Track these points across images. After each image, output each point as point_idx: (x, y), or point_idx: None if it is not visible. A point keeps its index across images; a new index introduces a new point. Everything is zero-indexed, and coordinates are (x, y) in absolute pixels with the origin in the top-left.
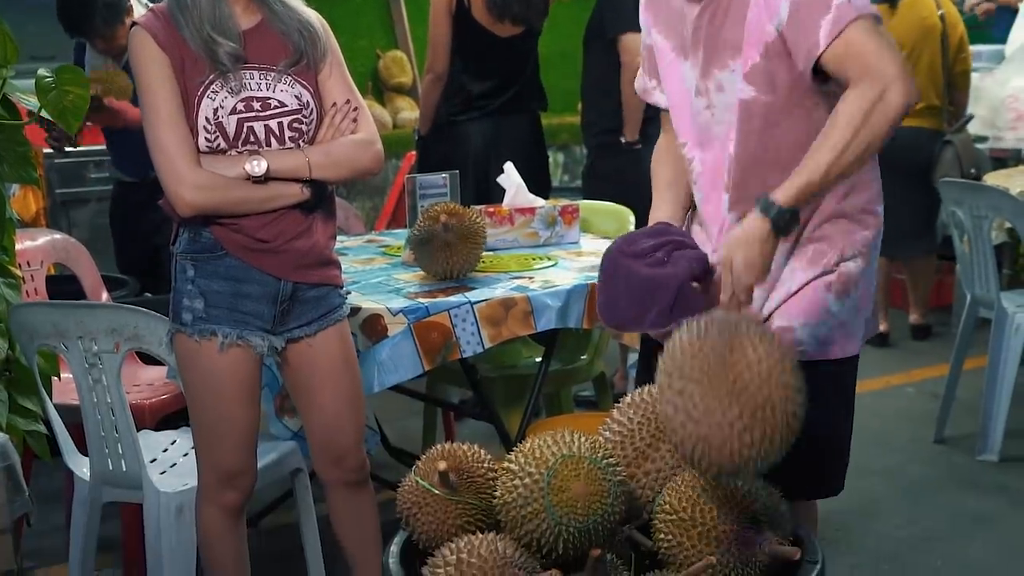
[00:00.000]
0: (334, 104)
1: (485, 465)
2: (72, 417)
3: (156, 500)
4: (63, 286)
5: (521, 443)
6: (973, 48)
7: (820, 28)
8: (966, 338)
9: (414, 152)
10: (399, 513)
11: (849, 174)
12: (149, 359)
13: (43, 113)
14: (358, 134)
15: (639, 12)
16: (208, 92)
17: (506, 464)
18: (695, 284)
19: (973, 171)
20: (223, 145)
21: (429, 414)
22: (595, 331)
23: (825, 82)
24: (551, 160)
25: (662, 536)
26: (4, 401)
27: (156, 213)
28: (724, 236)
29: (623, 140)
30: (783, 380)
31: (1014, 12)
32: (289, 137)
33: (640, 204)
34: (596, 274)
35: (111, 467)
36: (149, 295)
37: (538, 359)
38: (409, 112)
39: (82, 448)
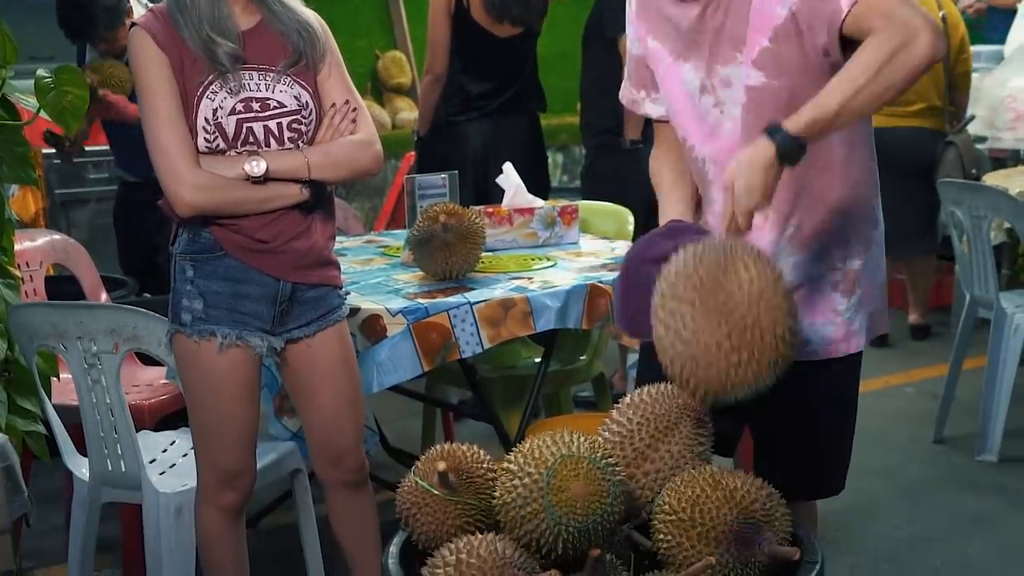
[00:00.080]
0: (333, 105)
1: (484, 465)
2: (71, 418)
3: (155, 500)
4: (62, 287)
5: (520, 443)
6: (972, 48)
7: None
8: (965, 338)
9: (413, 152)
10: (398, 513)
11: (858, 117)
12: (148, 360)
13: (42, 112)
14: (357, 135)
15: (627, 23)
16: (207, 92)
17: (505, 464)
18: None
19: (974, 171)
20: (222, 145)
21: (428, 414)
22: (594, 332)
23: (836, 64)
24: (550, 160)
25: (661, 536)
26: (3, 402)
27: (159, 213)
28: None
29: (625, 140)
30: (774, 302)
31: (1006, 13)
32: (288, 138)
33: (639, 204)
34: (595, 275)
35: (110, 467)
36: (148, 295)
37: (537, 359)
38: (408, 112)
39: (81, 449)
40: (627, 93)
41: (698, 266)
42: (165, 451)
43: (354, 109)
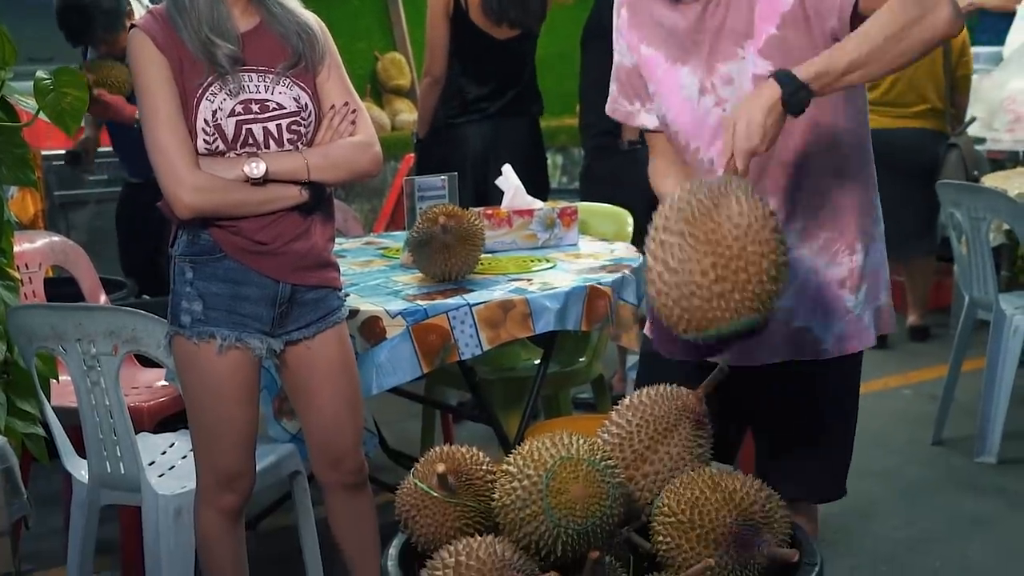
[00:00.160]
0: (332, 106)
1: (484, 467)
2: (70, 420)
3: (154, 503)
4: (61, 288)
5: (519, 445)
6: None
7: None
8: (964, 340)
9: (412, 154)
10: (397, 516)
11: (863, 81)
12: (147, 362)
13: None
14: (356, 136)
15: (615, 35)
16: (207, 94)
17: (504, 466)
18: None
19: (976, 173)
20: (222, 147)
21: (427, 416)
22: (593, 333)
23: None
24: (549, 162)
25: (661, 538)
26: (2, 404)
27: (160, 214)
28: None
29: (624, 141)
30: (762, 236)
31: (997, 16)
32: (288, 139)
33: (637, 205)
34: (594, 276)
35: (109, 470)
36: (147, 297)
37: (536, 361)
38: (407, 114)
39: (80, 451)
40: (619, 107)
41: (691, 200)
42: (164, 453)
43: (353, 111)
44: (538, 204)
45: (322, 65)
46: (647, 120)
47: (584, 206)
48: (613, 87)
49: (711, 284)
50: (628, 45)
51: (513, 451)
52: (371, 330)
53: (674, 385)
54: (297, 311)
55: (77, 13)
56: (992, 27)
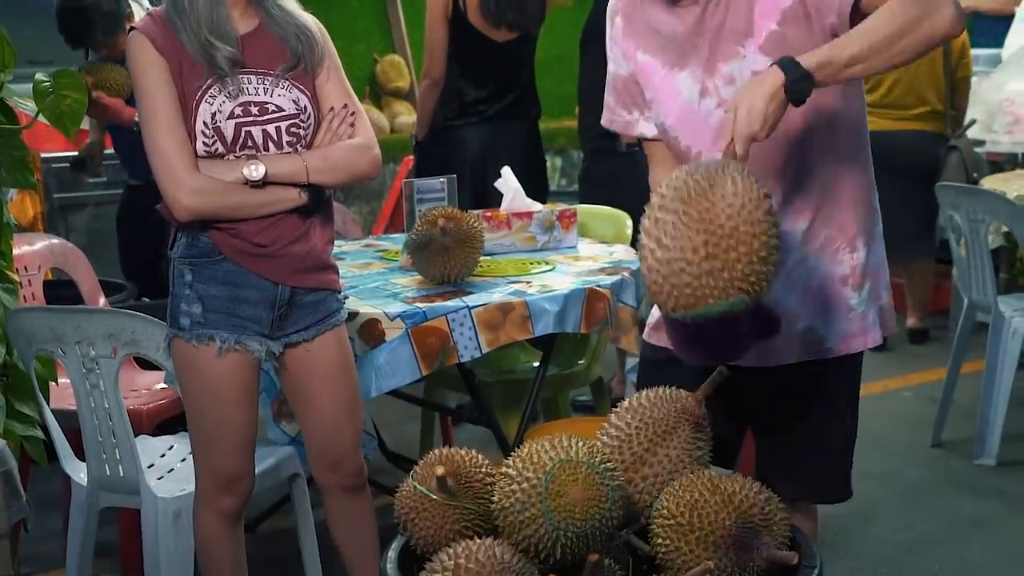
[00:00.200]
0: (332, 108)
1: (483, 470)
2: (69, 422)
3: (154, 505)
4: (61, 291)
5: (519, 448)
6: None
7: None
8: (963, 342)
9: (412, 156)
10: (397, 518)
11: (864, 75)
12: (147, 364)
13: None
14: (356, 138)
15: (609, 45)
16: (206, 96)
17: (504, 469)
18: None
19: (975, 175)
20: (221, 149)
21: (427, 419)
22: (592, 336)
23: None
24: (548, 164)
25: (660, 541)
26: (1, 407)
27: (160, 216)
28: None
29: (622, 143)
30: (754, 216)
31: (993, 19)
32: (287, 142)
33: (636, 207)
34: (593, 279)
35: (108, 472)
36: (147, 300)
37: (536, 364)
38: (407, 116)
39: (79, 453)
40: (617, 117)
41: (687, 180)
42: (163, 456)
43: (352, 113)
44: (537, 206)
45: (321, 67)
46: (646, 128)
47: (583, 208)
48: (609, 98)
49: (701, 261)
50: (623, 53)
51: (512, 454)
52: (370, 332)
53: (673, 388)
54: (296, 313)
55: (77, 16)
56: (989, 30)
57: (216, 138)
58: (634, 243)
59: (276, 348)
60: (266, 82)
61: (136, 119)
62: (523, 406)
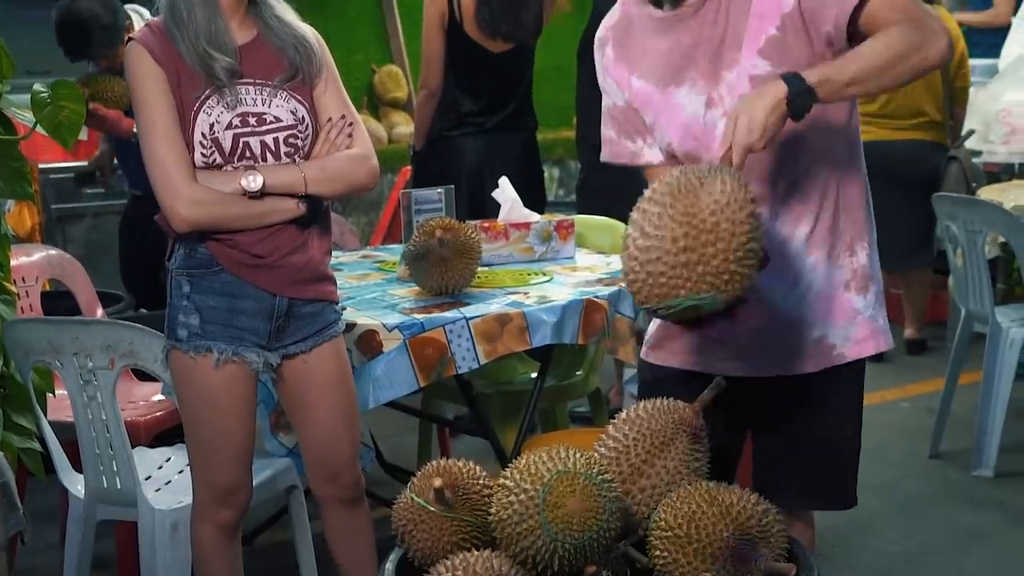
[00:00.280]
0: (329, 119)
1: (480, 482)
2: (67, 434)
3: (151, 518)
4: (58, 302)
5: (516, 459)
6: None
7: None
8: (961, 353)
9: (409, 167)
10: (394, 530)
11: (859, 95)
12: (144, 376)
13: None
14: (354, 149)
15: (601, 76)
16: (204, 107)
17: (501, 481)
18: None
19: (974, 185)
20: (219, 160)
21: (424, 430)
22: (590, 347)
23: (840, 54)
24: (546, 175)
25: (658, 553)
26: None
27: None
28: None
29: None
30: (737, 216)
31: (985, 31)
32: (285, 152)
33: None
34: (591, 290)
35: (106, 484)
36: (144, 311)
37: (533, 375)
38: (404, 127)
39: (77, 465)
40: (620, 150)
41: (680, 178)
42: (161, 468)
43: (350, 123)
44: (535, 217)
45: (319, 78)
46: (652, 156)
47: (580, 219)
48: (610, 132)
49: (679, 252)
50: (617, 83)
51: (510, 465)
52: (368, 344)
53: (671, 399)
54: (294, 325)
55: (76, 29)
56: (982, 40)
57: (214, 149)
58: None
59: (274, 359)
60: (264, 93)
61: (135, 130)
62: (521, 417)
